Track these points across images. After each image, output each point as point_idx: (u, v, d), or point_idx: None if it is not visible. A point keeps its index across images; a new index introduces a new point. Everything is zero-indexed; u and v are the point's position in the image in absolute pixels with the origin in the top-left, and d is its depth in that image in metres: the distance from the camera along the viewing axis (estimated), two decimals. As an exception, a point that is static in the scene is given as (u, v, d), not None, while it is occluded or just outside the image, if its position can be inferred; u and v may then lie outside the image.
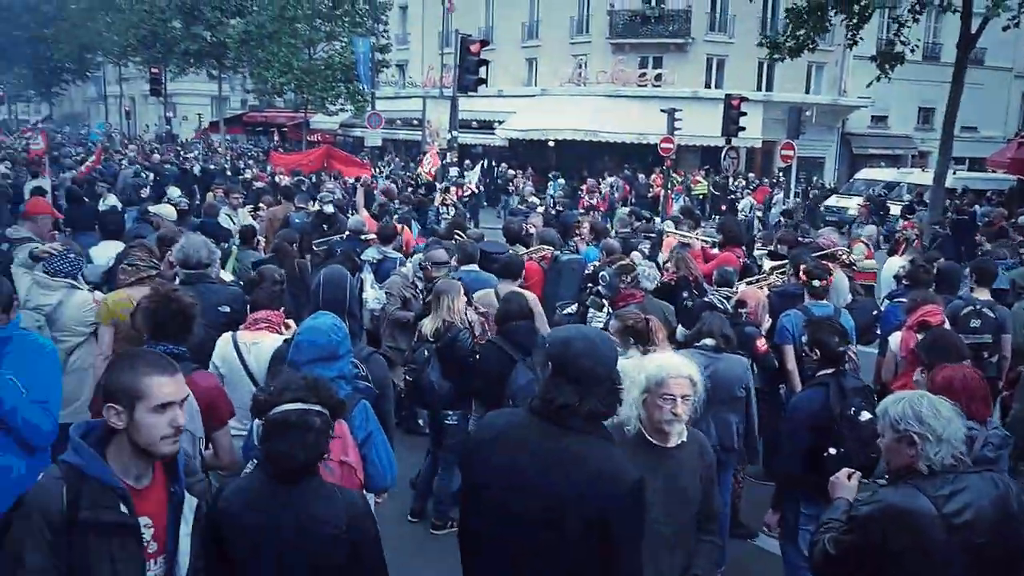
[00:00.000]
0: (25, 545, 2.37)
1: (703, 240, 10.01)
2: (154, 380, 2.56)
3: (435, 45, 37.83)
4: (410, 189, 19.58)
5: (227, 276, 6.97)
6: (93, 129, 48.15)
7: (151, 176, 19.42)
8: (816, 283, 6.56)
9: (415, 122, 36.03)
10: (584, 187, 25.07)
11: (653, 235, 10.95)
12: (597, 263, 8.27)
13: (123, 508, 2.49)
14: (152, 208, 10.73)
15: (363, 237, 9.48)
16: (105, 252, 7.56)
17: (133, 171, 19.57)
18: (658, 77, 33.38)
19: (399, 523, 5.97)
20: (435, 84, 35.57)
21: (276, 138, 43.79)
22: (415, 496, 6.30)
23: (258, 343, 4.65)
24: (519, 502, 2.75)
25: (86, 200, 12.62)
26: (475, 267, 7.54)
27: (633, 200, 25.61)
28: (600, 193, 24.46)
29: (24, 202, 9.92)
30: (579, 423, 2.74)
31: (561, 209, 17.55)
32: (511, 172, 30.25)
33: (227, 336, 4.74)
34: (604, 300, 6.89)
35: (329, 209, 11.06)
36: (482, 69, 19.66)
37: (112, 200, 13.48)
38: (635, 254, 8.37)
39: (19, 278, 5.63)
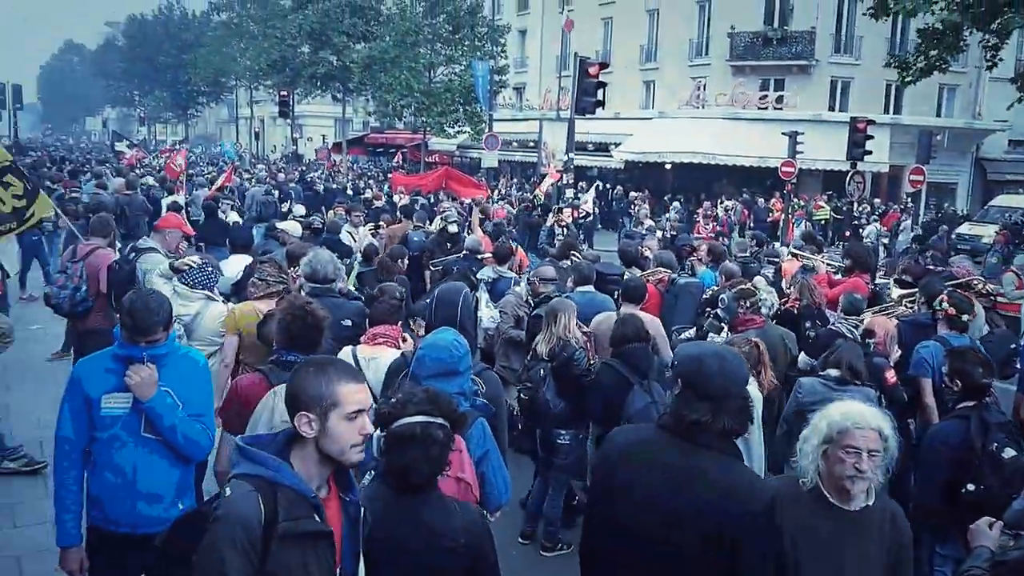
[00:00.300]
0: (228, 562, 2.27)
1: (828, 264, 9.66)
2: (348, 387, 2.50)
3: (553, 68, 38.16)
4: (526, 210, 19.71)
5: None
6: (226, 148, 50.73)
7: (277, 194, 20.22)
8: (964, 318, 6.20)
9: (531, 144, 36.35)
10: (700, 211, 24.66)
11: (776, 260, 10.64)
12: (715, 287, 8.10)
13: (316, 517, 2.44)
14: (279, 224, 11.15)
15: (479, 256, 9.57)
16: (234, 266, 7.88)
17: (264, 189, 20.41)
18: (779, 99, 32.69)
19: (510, 544, 5.92)
20: (552, 106, 35.84)
21: (397, 159, 44.98)
22: (526, 518, 6.24)
23: (377, 358, 4.73)
24: (647, 518, 2.71)
25: (222, 216, 13.24)
26: (591, 288, 7.47)
27: (751, 225, 25.06)
28: (717, 218, 24.04)
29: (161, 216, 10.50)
30: (711, 440, 2.70)
31: (675, 233, 17.34)
32: (633, 194, 30.03)
33: (347, 349, 4.85)
34: (723, 324, 6.72)
35: (453, 228, 11.22)
36: (600, 91, 19.69)
37: (234, 216, 14.12)
38: (758, 279, 8.14)
39: (159, 288, 5.92)
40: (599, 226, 27.09)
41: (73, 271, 7.47)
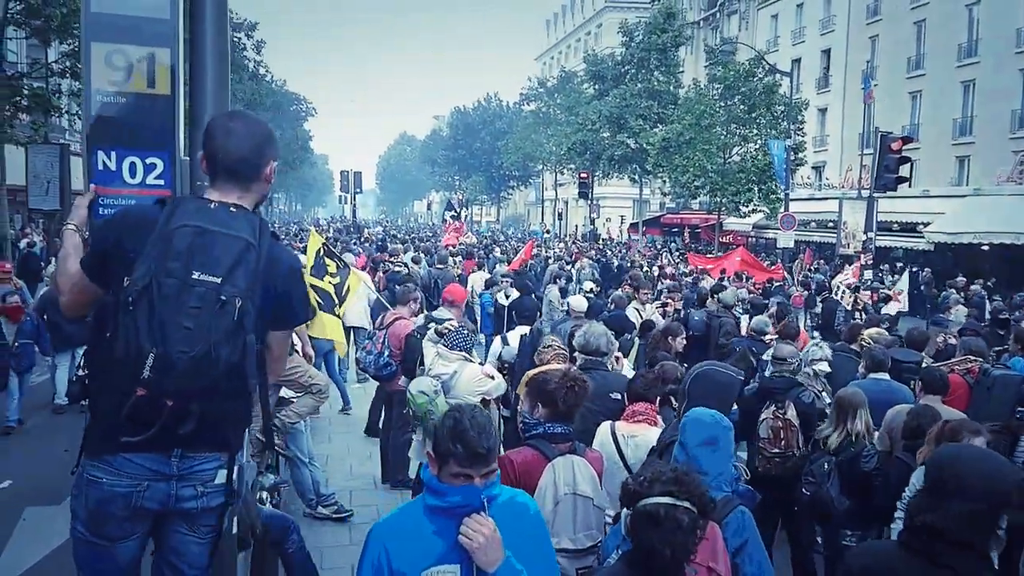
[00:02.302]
0: None
1: None
2: None
3: (855, 145, 36.53)
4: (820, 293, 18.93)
5: (628, 366, 7.29)
6: (533, 228, 54.07)
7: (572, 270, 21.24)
8: None
9: (830, 224, 34.83)
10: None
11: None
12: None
13: None
14: (569, 300, 11.68)
15: (764, 337, 9.38)
16: (517, 336, 8.44)
17: (559, 265, 21.62)
18: (1124, 173, 28.60)
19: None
20: (853, 185, 34.19)
21: (686, 238, 45.06)
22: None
23: (636, 435, 4.70)
24: None
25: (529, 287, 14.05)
26: (886, 376, 6.99)
27: (1090, 315, 21.83)
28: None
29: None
30: (953, 560, 2.38)
31: (983, 323, 15.74)
32: (960, 279, 27.35)
33: (606, 425, 4.87)
34: (1035, 423, 6.00)
35: (728, 301, 11.22)
36: (904, 167, 18.62)
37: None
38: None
39: (428, 349, 6.55)
40: (905, 311, 25.10)
41: (377, 337, 8.30)
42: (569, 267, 22.18)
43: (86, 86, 3.32)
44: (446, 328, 6.62)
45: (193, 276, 2.56)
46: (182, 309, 2.53)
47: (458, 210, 36.64)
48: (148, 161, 3.36)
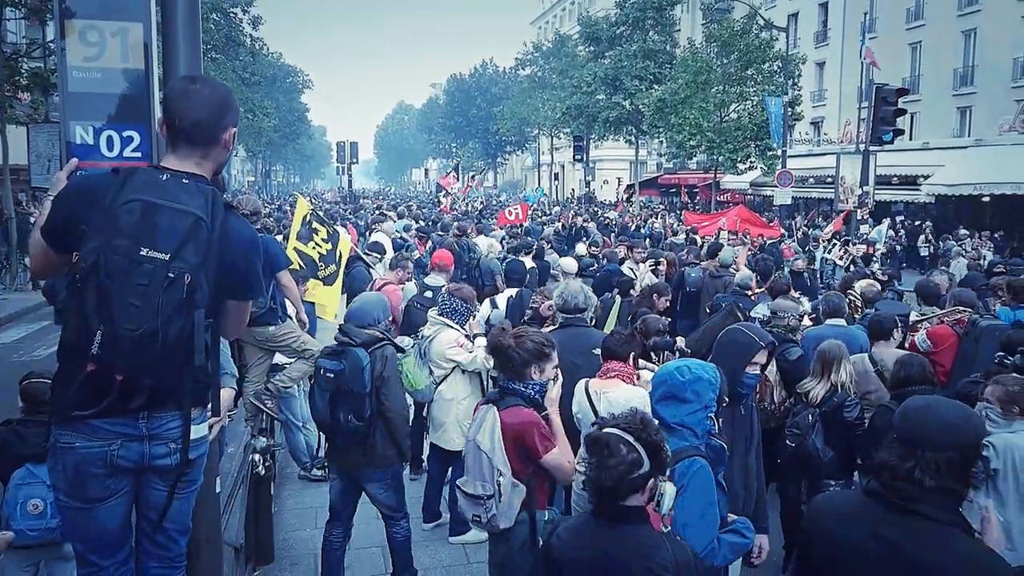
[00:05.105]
0: None
1: None
2: None
3: (854, 99, 36.24)
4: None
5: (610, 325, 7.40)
6: (529, 193, 54.04)
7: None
8: None
9: (828, 179, 34.73)
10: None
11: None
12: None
13: None
14: (560, 261, 11.79)
15: (748, 292, 9.45)
16: (504, 299, 8.63)
17: (554, 230, 21.70)
18: None
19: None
20: (852, 139, 33.99)
21: (684, 198, 44.96)
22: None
23: (608, 392, 4.72)
24: None
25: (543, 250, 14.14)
26: (841, 322, 7.23)
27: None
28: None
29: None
30: (926, 507, 2.36)
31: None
32: (963, 231, 27.30)
33: (581, 383, 4.90)
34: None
35: (727, 259, 11.33)
36: (900, 120, 18.55)
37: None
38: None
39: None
40: (904, 264, 25.20)
41: None
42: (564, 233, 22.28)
43: (60, 63, 3.35)
44: (443, 296, 6.75)
45: (141, 253, 2.56)
46: (129, 286, 2.54)
47: (448, 190, 36.19)
48: (125, 134, 3.40)
